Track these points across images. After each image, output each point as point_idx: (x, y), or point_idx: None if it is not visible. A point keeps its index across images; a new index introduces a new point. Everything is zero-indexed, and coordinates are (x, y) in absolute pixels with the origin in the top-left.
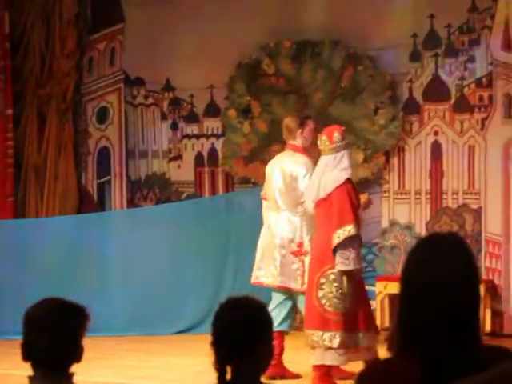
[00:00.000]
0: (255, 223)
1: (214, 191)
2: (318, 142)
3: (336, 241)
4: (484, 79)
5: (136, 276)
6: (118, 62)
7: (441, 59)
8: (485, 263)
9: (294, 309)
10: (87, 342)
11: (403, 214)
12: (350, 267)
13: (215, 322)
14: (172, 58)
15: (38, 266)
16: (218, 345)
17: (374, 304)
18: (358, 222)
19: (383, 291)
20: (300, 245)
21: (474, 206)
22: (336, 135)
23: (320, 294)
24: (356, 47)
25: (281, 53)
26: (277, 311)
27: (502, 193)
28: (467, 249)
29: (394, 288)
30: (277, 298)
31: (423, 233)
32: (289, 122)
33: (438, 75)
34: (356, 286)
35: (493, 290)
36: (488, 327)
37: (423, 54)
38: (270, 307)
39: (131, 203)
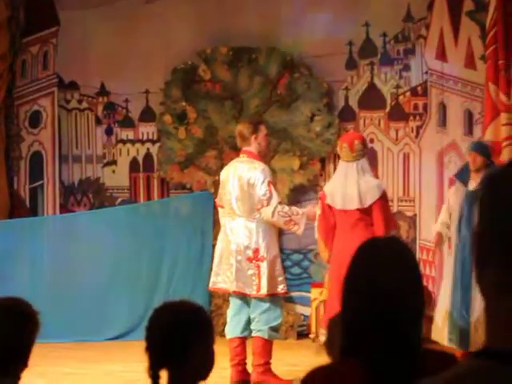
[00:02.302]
0: (190, 229)
1: (149, 197)
2: (338, 149)
3: None
4: (419, 88)
5: (68, 282)
6: (51, 66)
7: (376, 68)
8: None
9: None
10: None
11: None
12: None
13: (148, 326)
14: (107, 63)
15: None
16: (151, 349)
17: (309, 310)
18: None
19: (319, 298)
20: (256, 251)
21: (409, 213)
22: (357, 143)
23: None
24: (292, 54)
25: (217, 59)
26: (237, 319)
27: (436, 200)
28: (409, 252)
29: None
30: (234, 303)
31: None
32: (242, 128)
33: (373, 83)
34: None
35: (427, 296)
36: None
37: (359, 62)
38: (230, 314)
39: (64, 208)
